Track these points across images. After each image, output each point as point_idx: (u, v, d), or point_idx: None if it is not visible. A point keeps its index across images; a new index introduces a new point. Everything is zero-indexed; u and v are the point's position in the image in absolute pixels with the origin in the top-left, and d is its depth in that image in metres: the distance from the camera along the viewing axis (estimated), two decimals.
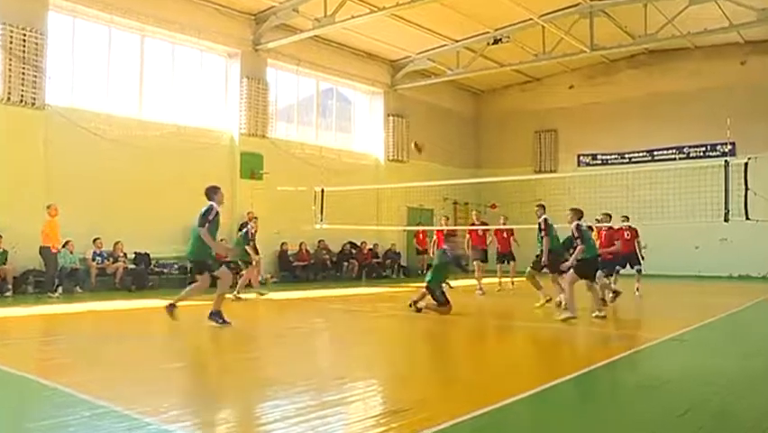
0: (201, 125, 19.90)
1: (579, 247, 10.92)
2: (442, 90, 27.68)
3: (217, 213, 9.94)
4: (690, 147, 25.00)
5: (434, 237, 20.33)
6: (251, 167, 20.48)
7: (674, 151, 25.27)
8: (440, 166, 26.65)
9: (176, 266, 18.09)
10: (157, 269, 17.91)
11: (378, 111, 25.79)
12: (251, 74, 20.75)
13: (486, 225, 17.60)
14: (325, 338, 10.19)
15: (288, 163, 21.33)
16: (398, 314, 12.41)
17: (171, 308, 9.89)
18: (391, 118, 25.70)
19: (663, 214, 17.21)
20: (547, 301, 12.92)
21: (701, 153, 24.58)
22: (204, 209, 9.98)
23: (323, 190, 18.06)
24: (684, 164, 22.87)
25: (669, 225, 18.26)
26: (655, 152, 25.71)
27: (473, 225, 17.53)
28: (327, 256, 22.09)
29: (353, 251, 23.15)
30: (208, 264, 9.97)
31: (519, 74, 27.83)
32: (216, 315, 9.99)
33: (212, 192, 10.17)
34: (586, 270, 11.01)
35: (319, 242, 21.85)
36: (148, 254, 17.92)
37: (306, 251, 21.50)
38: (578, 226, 11.00)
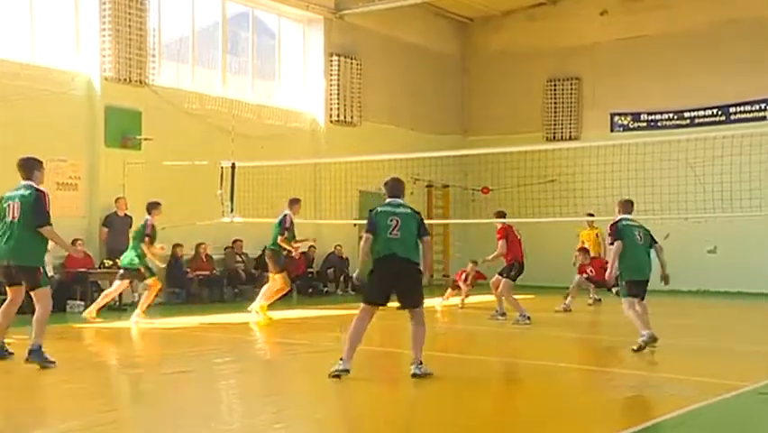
0: (36, 62, 19.23)
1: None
2: (411, 18, 27.67)
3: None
4: None
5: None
6: (123, 130, 20.13)
7: (763, 106, 25.25)
8: (407, 131, 26.86)
9: None
10: None
11: (316, 49, 25.73)
12: None
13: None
14: (234, 387, 10.33)
15: (180, 125, 21.14)
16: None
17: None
18: (336, 59, 25.64)
19: (746, 202, 17.28)
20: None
21: None
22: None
23: (233, 166, 18.20)
24: None
25: (754, 218, 18.11)
26: (732, 110, 25.74)
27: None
28: (242, 264, 22.14)
29: None
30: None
31: None
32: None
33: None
34: None
35: (234, 242, 21.86)
36: None
37: (207, 256, 21.44)
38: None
